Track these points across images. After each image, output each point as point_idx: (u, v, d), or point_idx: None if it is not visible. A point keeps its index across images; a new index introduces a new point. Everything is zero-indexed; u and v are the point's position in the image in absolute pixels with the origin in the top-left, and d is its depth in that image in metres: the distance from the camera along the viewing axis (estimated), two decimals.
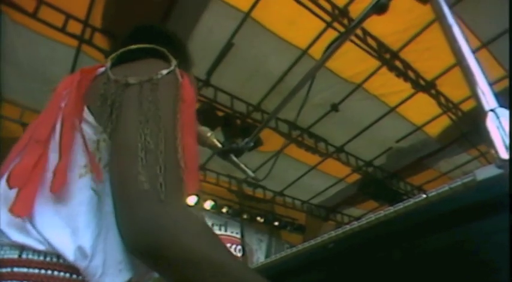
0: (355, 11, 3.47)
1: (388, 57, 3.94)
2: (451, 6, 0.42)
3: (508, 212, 0.37)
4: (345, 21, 3.53)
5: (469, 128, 4.50)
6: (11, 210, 0.48)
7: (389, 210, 0.68)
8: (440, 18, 0.42)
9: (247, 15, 3.46)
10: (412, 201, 0.65)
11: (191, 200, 5.15)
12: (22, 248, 0.48)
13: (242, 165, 0.96)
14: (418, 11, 3.36)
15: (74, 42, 3.38)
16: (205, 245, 0.47)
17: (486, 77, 0.37)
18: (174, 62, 0.60)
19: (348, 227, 0.74)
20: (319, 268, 0.80)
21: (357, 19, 0.65)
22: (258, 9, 3.42)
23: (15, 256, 0.47)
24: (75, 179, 0.52)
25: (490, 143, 0.33)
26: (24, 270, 0.46)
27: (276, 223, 5.95)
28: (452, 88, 4.17)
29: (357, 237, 0.72)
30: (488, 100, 0.35)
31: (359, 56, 3.87)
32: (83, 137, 0.53)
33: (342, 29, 3.54)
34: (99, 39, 3.41)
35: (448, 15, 0.40)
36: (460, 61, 0.39)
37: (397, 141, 5.01)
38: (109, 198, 0.50)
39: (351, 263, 0.74)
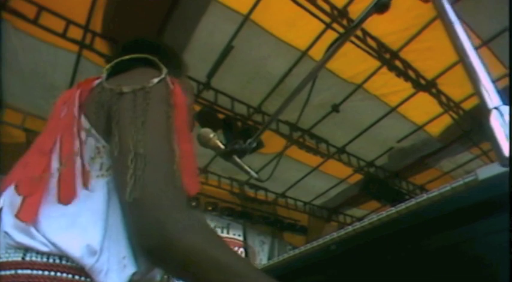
0: (355, 11, 3.48)
1: (388, 57, 3.94)
2: (452, 3, 0.42)
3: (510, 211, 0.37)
4: (344, 22, 3.54)
5: (470, 126, 4.49)
6: (17, 216, 0.50)
7: (391, 210, 0.67)
8: (441, 15, 0.42)
9: (246, 17, 3.47)
10: (413, 201, 0.65)
11: (193, 203, 5.15)
12: (26, 250, 0.50)
13: (245, 166, 0.96)
14: (417, 10, 3.36)
15: (75, 48, 3.40)
16: (208, 245, 0.49)
17: (489, 74, 0.37)
18: (164, 70, 0.63)
19: (349, 228, 0.74)
20: (322, 270, 0.79)
21: (357, 18, 0.65)
22: (257, 11, 3.43)
23: (19, 258, 0.49)
24: (79, 185, 0.54)
25: (494, 141, 0.33)
26: (28, 272, 0.48)
27: (278, 225, 5.93)
28: (453, 87, 4.16)
29: (358, 238, 0.72)
30: (491, 98, 0.35)
31: (359, 57, 3.87)
32: (81, 144, 0.56)
33: (341, 30, 3.55)
34: (100, 44, 3.43)
35: (450, 12, 0.40)
36: (462, 58, 0.38)
37: (399, 141, 5.00)
38: (114, 198, 0.53)
39: (353, 265, 0.74)
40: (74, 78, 3.55)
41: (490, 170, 0.54)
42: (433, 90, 4.28)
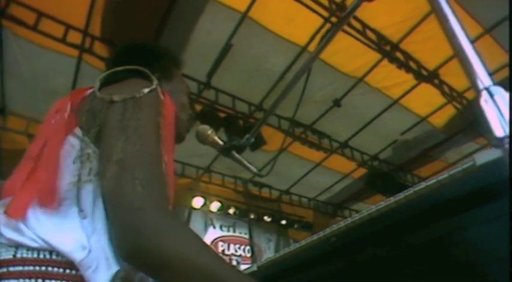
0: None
1: (388, 49, 3.90)
2: None
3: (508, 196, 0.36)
4: (344, 15, 3.51)
5: (475, 116, 4.43)
6: (6, 212, 0.52)
7: (390, 200, 0.67)
8: None
9: (244, 15, 3.47)
10: (412, 190, 0.64)
11: (198, 203, 5.17)
12: (17, 247, 0.51)
13: (245, 162, 0.96)
14: (416, 1, 3.33)
15: (75, 52, 3.42)
16: (187, 249, 0.50)
17: (479, 56, 0.36)
18: (155, 82, 0.65)
19: (349, 220, 0.74)
20: (323, 263, 0.79)
21: (348, 8, 0.64)
22: (254, 8, 3.42)
23: (11, 256, 0.51)
24: (67, 189, 0.56)
25: (485, 122, 0.32)
26: (20, 268, 0.49)
27: (284, 222, 5.94)
28: (456, 77, 4.11)
29: (358, 229, 0.71)
30: (481, 78, 0.34)
31: (359, 50, 3.84)
32: (70, 150, 0.58)
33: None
34: (99, 48, 3.44)
35: None
36: (450, 39, 0.38)
37: (402, 134, 4.96)
38: (100, 203, 0.54)
39: (354, 256, 0.73)
40: (75, 82, 3.57)
41: (488, 155, 0.53)
42: (436, 81, 4.24)
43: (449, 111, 4.57)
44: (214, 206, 5.33)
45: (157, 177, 0.53)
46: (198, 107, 3.98)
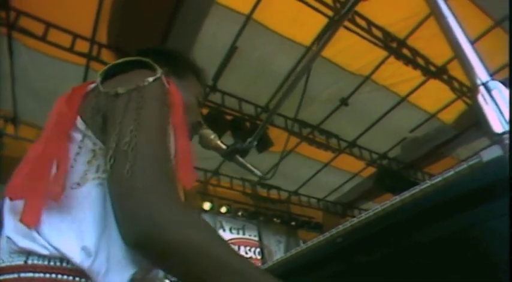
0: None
1: (395, 46, 3.86)
2: None
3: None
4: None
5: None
6: (22, 221, 0.51)
7: (395, 199, 0.66)
8: None
9: (248, 17, 3.48)
10: (418, 188, 0.63)
11: (207, 205, 5.19)
12: (28, 254, 0.51)
13: (248, 165, 0.96)
14: None
15: (83, 61, 3.49)
16: (200, 238, 0.48)
17: (476, 51, 0.36)
18: (159, 70, 0.64)
19: (355, 220, 0.73)
20: (330, 263, 0.78)
21: (345, 8, 0.63)
22: (259, 10, 3.43)
23: (22, 262, 0.50)
24: (76, 187, 0.55)
25: (482, 117, 0.32)
26: (30, 274, 0.49)
27: (293, 223, 5.91)
28: None
29: (364, 229, 0.70)
30: (479, 74, 0.34)
31: (365, 48, 3.81)
32: (77, 147, 0.57)
33: (345, 22, 3.50)
34: (107, 55, 3.50)
35: None
36: (448, 37, 0.37)
37: (411, 131, 4.89)
38: (109, 201, 0.53)
39: (361, 256, 0.73)
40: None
41: (495, 151, 0.52)
42: (444, 77, 4.17)
43: (459, 106, 4.49)
44: (223, 208, 5.34)
45: (166, 166, 0.53)
46: (205, 111, 4.01)
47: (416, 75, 4.11)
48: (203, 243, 0.48)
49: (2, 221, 0.56)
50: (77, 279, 0.50)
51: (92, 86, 0.64)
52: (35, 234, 0.51)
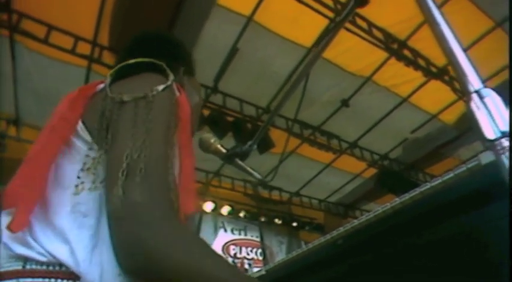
0: None
1: (395, 47, 3.86)
2: None
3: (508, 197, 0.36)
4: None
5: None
6: (8, 227, 0.50)
7: (396, 201, 0.67)
8: None
9: (249, 19, 3.49)
10: (417, 190, 0.64)
11: (208, 207, 5.20)
12: (26, 259, 0.50)
13: (248, 168, 0.97)
14: None
15: (84, 62, 3.51)
16: (196, 259, 0.47)
17: (469, 58, 0.36)
18: (171, 77, 0.60)
19: (355, 222, 0.74)
20: (330, 265, 0.79)
21: (342, 15, 0.64)
22: (259, 12, 3.43)
23: (20, 267, 0.49)
24: (70, 197, 0.53)
25: (475, 124, 0.32)
26: (29, 280, 0.48)
27: (295, 224, 5.91)
28: None
29: (364, 231, 0.71)
30: (472, 81, 0.34)
31: (366, 49, 3.82)
32: (75, 152, 0.55)
33: (346, 24, 3.49)
34: (108, 57, 3.52)
35: None
36: (441, 45, 0.38)
37: (412, 132, 4.89)
38: (105, 212, 0.51)
39: (361, 258, 0.73)
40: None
41: (493, 154, 0.53)
42: (445, 78, 4.17)
43: (461, 107, 4.48)
44: (225, 209, 5.34)
45: (165, 185, 0.50)
46: (206, 112, 4.02)
47: (417, 76, 4.11)
48: (202, 266, 0.47)
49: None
50: None
51: (101, 86, 0.61)
52: (32, 242, 0.50)
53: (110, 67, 3.42)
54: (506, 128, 0.30)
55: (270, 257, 5.58)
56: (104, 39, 3.48)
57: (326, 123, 4.73)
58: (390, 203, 0.68)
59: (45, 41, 3.20)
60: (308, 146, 4.77)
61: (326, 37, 0.69)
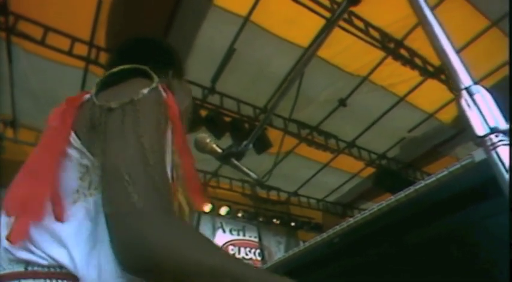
0: None
1: (392, 46, 3.88)
2: None
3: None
4: (345, 15, 3.51)
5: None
6: (7, 239, 0.51)
7: (391, 199, 0.67)
8: None
9: (246, 19, 3.49)
10: (412, 188, 0.64)
11: (206, 207, 5.19)
12: (27, 262, 0.51)
13: (244, 168, 0.97)
14: None
15: (81, 64, 3.50)
16: (199, 253, 0.48)
17: (459, 55, 0.37)
18: (156, 79, 0.61)
19: (351, 220, 0.74)
20: (327, 263, 0.79)
21: (336, 14, 0.65)
22: (256, 12, 3.44)
23: (22, 269, 0.50)
24: (67, 204, 0.54)
25: (465, 121, 0.33)
26: (31, 281, 0.49)
27: (293, 224, 5.91)
28: None
29: (361, 229, 0.71)
30: (461, 78, 0.35)
31: (362, 49, 3.83)
32: (70, 162, 0.56)
33: (342, 24, 3.51)
34: (105, 58, 3.51)
35: None
36: (433, 44, 0.38)
37: (410, 131, 4.91)
38: (102, 217, 0.51)
39: (358, 256, 0.74)
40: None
41: (484, 151, 0.53)
42: (442, 76, 4.18)
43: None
44: (223, 210, 5.34)
45: (161, 184, 0.51)
46: (203, 112, 4.01)
47: (414, 76, 4.12)
48: (205, 258, 0.47)
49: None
50: None
51: (87, 96, 0.62)
52: (32, 247, 0.51)
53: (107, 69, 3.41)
54: (495, 124, 0.31)
55: (268, 257, 5.58)
56: (101, 40, 3.47)
57: (323, 123, 4.74)
58: (386, 201, 0.69)
59: (42, 43, 3.19)
60: (306, 146, 4.77)
61: (321, 36, 0.69)
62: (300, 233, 6.13)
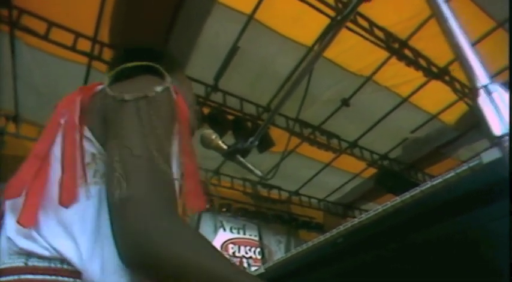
0: None
1: (396, 46, 3.86)
2: None
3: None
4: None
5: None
6: (18, 221, 0.51)
7: (396, 200, 0.66)
8: None
9: (250, 17, 3.48)
10: (418, 189, 0.64)
11: (207, 206, 5.20)
12: (28, 255, 0.51)
13: (249, 165, 0.97)
14: None
15: (85, 59, 3.50)
16: (197, 254, 0.48)
17: (477, 54, 0.36)
18: (168, 79, 0.62)
19: (355, 221, 0.73)
20: (330, 264, 0.79)
21: (348, 9, 0.64)
22: (261, 10, 3.42)
23: (22, 264, 0.50)
24: (82, 190, 0.54)
25: (483, 120, 0.32)
26: (30, 276, 0.49)
27: (294, 223, 5.91)
28: None
29: (365, 230, 0.71)
30: (479, 77, 0.34)
31: (367, 48, 3.81)
32: (82, 150, 0.56)
33: (347, 23, 3.49)
34: (109, 54, 3.50)
35: None
36: (448, 39, 0.37)
37: (412, 132, 4.89)
38: (105, 206, 0.52)
39: (362, 256, 0.73)
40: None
41: (495, 153, 0.52)
42: (446, 78, 4.16)
43: (461, 107, 4.48)
44: (224, 208, 5.34)
45: (166, 181, 0.52)
46: (206, 110, 4.01)
47: (418, 76, 4.10)
48: (203, 261, 0.48)
49: (2, 219, 0.56)
50: (78, 280, 0.50)
51: (100, 87, 0.64)
52: (36, 235, 0.51)
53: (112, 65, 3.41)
54: None
55: (268, 256, 5.59)
56: (105, 36, 3.47)
57: (326, 123, 4.73)
58: (391, 201, 0.68)
59: (45, 38, 3.19)
60: (308, 145, 4.76)
61: (329, 33, 0.68)
62: (301, 232, 6.13)
